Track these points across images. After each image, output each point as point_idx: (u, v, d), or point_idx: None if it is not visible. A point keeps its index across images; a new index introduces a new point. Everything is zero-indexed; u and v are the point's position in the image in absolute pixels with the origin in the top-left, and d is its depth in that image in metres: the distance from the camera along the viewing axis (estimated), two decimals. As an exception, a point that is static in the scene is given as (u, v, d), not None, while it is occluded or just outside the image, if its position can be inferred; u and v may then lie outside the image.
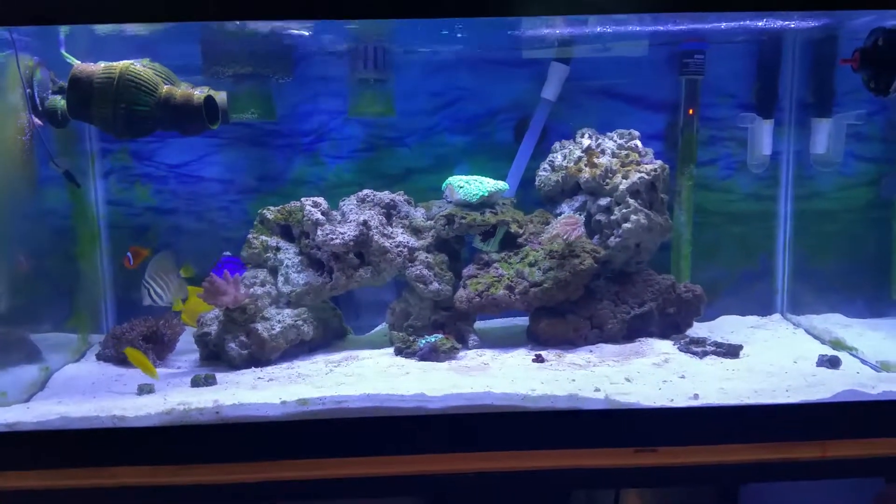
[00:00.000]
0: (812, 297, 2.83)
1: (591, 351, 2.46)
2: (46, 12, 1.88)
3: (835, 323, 2.70)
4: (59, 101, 2.36)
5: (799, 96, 2.76)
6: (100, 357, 2.54)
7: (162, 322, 2.55)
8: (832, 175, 2.78)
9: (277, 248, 2.64)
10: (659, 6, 2.04)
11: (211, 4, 1.86)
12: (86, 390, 2.24)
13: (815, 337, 2.63)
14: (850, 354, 2.41)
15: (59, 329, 2.57)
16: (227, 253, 2.67)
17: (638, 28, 2.50)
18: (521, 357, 2.42)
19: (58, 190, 2.58)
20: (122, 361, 2.47)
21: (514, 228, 2.64)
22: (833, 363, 2.29)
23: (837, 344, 2.51)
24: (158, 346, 2.52)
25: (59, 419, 1.94)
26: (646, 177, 2.57)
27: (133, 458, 1.92)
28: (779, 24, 2.48)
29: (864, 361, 2.35)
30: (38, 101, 2.34)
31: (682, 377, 2.19)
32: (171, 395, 2.14)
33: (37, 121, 2.34)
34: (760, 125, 2.74)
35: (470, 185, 2.61)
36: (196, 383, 2.24)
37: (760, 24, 2.47)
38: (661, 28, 2.49)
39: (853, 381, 2.13)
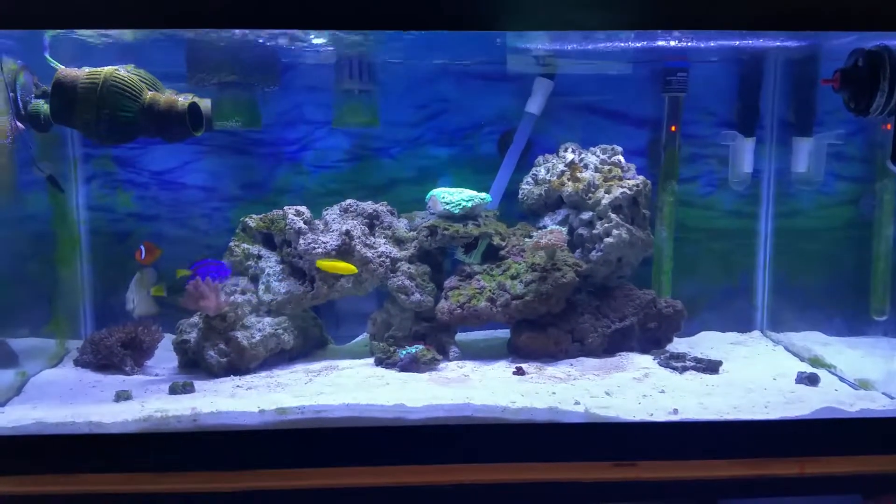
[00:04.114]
0: (792, 315, 2.84)
1: (571, 364, 2.46)
2: (31, 16, 1.87)
3: (814, 341, 2.71)
4: (43, 106, 2.34)
5: (780, 115, 2.79)
6: (77, 363, 2.52)
7: (140, 328, 2.53)
8: (813, 194, 2.81)
9: (259, 257, 2.63)
10: (635, 24, 2.06)
11: (191, 13, 1.86)
12: (63, 396, 2.22)
13: (795, 354, 2.65)
14: (829, 372, 2.43)
15: (37, 334, 2.54)
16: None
17: (621, 45, 2.51)
18: (501, 369, 2.42)
19: (38, 194, 2.57)
20: (100, 367, 2.45)
21: (496, 241, 2.64)
22: (812, 380, 2.31)
23: (816, 361, 2.52)
24: (137, 353, 2.49)
25: (35, 424, 1.92)
26: (628, 192, 2.58)
27: (109, 465, 1.90)
28: (760, 42, 2.51)
29: (842, 379, 2.37)
30: (20, 105, 2.33)
31: (662, 392, 2.20)
32: (149, 402, 2.12)
33: (19, 125, 2.33)
34: (742, 143, 2.77)
35: (453, 196, 2.62)
36: (174, 391, 2.22)
37: (742, 42, 2.49)
38: (645, 45, 2.51)
39: (831, 398, 2.14)
